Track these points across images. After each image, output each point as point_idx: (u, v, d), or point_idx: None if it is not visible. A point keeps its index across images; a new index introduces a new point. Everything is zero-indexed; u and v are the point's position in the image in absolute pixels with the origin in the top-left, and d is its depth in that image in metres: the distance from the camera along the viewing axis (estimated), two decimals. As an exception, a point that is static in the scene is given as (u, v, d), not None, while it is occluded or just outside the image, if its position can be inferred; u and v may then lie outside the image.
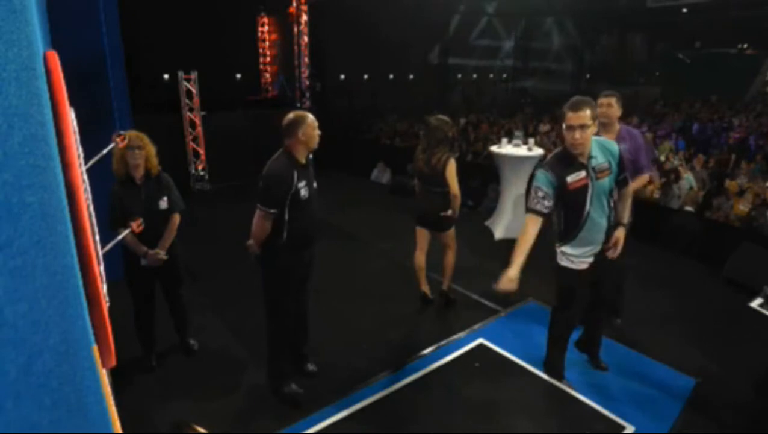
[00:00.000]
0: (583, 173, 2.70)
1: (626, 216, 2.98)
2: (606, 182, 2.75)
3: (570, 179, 2.69)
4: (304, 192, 2.82)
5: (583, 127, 2.60)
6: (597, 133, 3.41)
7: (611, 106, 3.47)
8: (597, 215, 2.77)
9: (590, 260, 2.88)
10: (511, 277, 2.62)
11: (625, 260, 3.24)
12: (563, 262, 2.92)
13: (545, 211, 2.71)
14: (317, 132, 2.84)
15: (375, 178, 9.31)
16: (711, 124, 11.00)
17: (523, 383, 3.26)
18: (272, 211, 2.78)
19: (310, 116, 2.84)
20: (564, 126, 2.68)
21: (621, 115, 3.55)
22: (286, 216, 2.81)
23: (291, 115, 2.83)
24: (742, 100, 15.25)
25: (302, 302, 3.17)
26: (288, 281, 2.96)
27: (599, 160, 2.73)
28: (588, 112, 2.60)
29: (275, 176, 2.77)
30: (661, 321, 4.07)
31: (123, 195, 2.99)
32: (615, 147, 2.80)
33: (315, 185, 2.98)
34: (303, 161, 2.86)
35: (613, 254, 2.89)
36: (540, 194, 2.69)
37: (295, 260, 2.94)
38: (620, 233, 2.91)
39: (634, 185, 3.38)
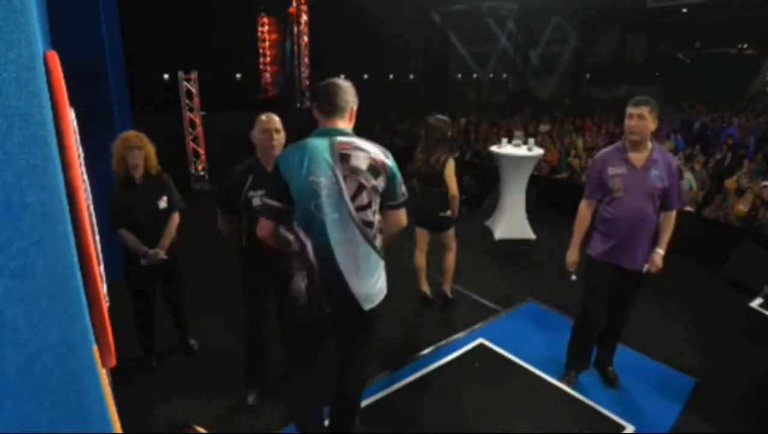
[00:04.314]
0: None
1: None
2: None
3: None
4: (257, 201, 2.51)
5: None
6: (625, 151, 2.79)
7: (643, 118, 2.65)
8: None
9: None
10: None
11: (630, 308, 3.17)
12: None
13: None
14: (265, 136, 2.61)
15: (375, 178, 9.30)
16: (711, 123, 11.01)
17: (523, 383, 3.26)
18: (219, 212, 2.73)
19: (260, 117, 2.67)
20: None
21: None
22: (243, 223, 2.68)
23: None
24: (742, 100, 15.27)
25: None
26: (248, 288, 2.82)
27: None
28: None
29: (225, 181, 2.71)
30: (661, 321, 4.07)
31: (123, 195, 2.98)
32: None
33: None
34: (270, 167, 2.54)
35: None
36: None
37: (255, 269, 2.76)
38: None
39: (666, 224, 2.89)
